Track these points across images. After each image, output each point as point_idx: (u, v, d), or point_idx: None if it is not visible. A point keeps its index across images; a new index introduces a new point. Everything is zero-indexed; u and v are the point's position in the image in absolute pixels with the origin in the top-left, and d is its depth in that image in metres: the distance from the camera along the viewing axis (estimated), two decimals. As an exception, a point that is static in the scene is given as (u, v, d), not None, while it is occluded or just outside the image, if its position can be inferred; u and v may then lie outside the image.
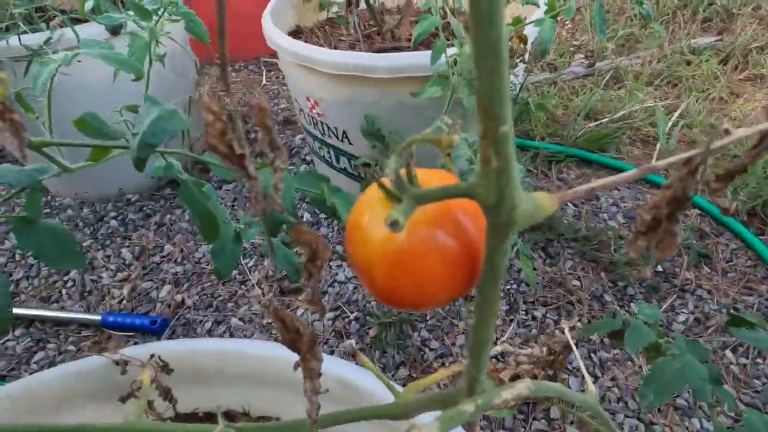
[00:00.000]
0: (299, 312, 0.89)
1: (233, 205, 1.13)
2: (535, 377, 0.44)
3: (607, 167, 1.22)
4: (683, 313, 0.89)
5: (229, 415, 0.44)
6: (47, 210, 1.16)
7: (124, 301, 0.94)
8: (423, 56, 0.66)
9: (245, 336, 0.85)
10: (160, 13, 0.53)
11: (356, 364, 0.39)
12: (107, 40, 0.88)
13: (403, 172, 0.17)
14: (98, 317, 0.86)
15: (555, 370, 0.44)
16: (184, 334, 0.86)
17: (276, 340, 0.78)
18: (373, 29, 1.00)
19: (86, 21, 0.97)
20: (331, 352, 0.83)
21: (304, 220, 1.07)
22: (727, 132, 0.17)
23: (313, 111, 0.87)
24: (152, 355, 0.35)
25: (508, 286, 0.93)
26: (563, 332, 0.39)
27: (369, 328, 0.86)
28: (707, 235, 1.03)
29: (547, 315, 0.88)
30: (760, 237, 0.99)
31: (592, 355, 0.82)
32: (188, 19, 0.54)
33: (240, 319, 0.89)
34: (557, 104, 1.43)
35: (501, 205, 0.15)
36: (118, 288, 0.96)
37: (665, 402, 0.74)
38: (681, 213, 0.18)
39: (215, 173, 0.78)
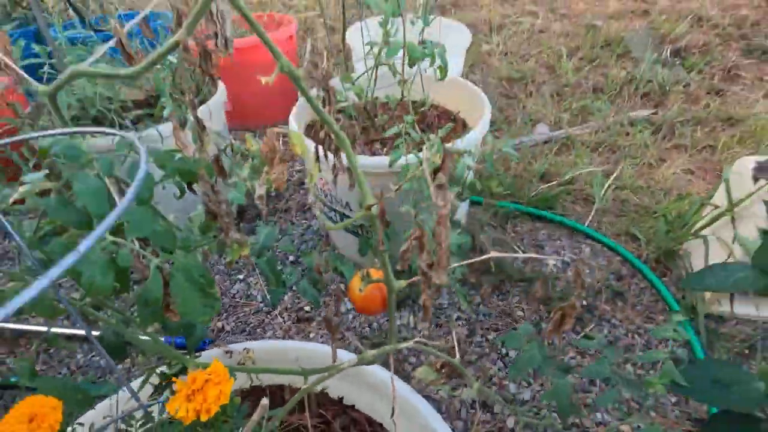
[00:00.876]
0: (311, 335, 1.19)
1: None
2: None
3: (553, 222, 1.54)
4: (599, 336, 1.19)
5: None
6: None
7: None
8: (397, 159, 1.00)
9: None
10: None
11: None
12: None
13: (367, 272, 0.49)
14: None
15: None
16: (226, 352, 1.15)
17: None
18: (371, 121, 1.35)
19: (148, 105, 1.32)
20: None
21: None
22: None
23: (324, 187, 1.20)
24: (245, 348, 0.64)
25: (467, 317, 1.23)
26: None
27: (364, 346, 1.16)
28: (623, 277, 1.34)
29: (497, 338, 1.18)
30: (662, 279, 1.30)
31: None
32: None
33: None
34: (518, 167, 1.77)
35: (390, 287, 0.47)
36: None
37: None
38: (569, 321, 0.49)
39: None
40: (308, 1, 3.43)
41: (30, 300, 0.20)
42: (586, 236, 1.49)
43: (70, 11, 2.27)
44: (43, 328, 1.10)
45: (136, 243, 0.36)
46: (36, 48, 1.27)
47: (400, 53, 1.10)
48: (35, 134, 0.37)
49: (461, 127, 1.40)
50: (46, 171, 0.37)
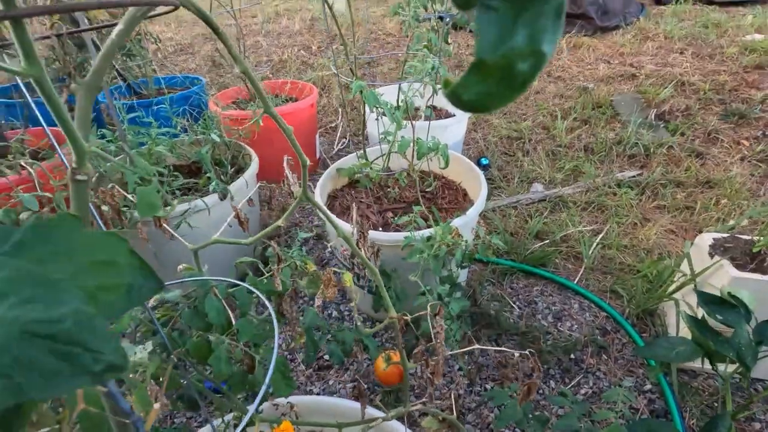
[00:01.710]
0: (330, 381, 1.36)
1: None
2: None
3: (545, 279, 1.72)
4: (585, 387, 1.34)
5: None
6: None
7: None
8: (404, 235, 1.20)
9: (296, 398, 1.31)
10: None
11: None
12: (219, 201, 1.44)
13: (388, 355, 0.68)
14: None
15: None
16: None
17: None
18: (384, 191, 1.56)
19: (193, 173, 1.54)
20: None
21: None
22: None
23: (345, 252, 1.40)
24: (289, 403, 0.82)
25: (469, 367, 1.39)
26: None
27: (377, 394, 1.32)
28: (608, 332, 1.50)
29: (494, 387, 1.34)
30: (642, 335, 1.46)
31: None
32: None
33: (291, 386, 1.36)
34: (515, 225, 1.97)
35: (405, 368, 0.65)
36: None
37: None
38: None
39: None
40: (324, 60, 3.76)
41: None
42: (575, 292, 1.66)
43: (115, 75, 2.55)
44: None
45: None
46: (103, 131, 1.51)
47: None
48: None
49: (462, 195, 1.61)
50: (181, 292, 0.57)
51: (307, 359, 0.92)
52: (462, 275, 1.53)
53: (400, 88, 1.37)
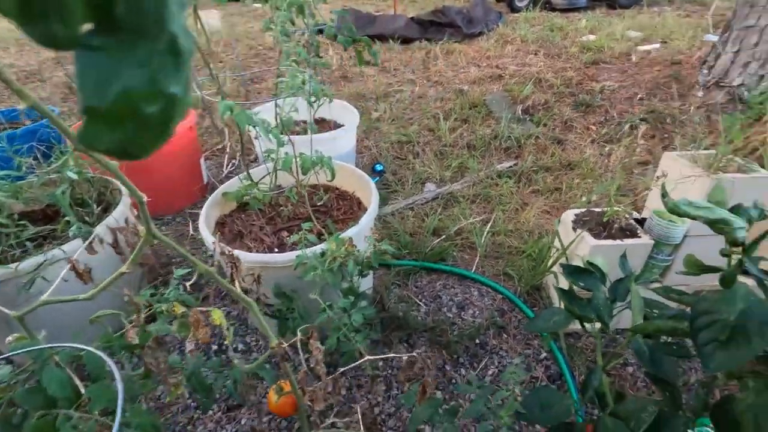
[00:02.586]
0: (242, 421, 1.27)
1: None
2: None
3: (446, 273, 1.81)
4: (492, 368, 1.43)
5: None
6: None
7: None
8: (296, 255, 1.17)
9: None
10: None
11: None
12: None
13: (280, 386, 0.65)
14: None
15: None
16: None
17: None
18: (277, 210, 1.51)
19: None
20: (269, 446, 1.21)
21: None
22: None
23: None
24: None
25: (386, 372, 1.40)
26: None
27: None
28: (505, 312, 1.62)
29: (409, 386, 1.36)
30: (533, 309, 1.61)
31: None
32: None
33: (198, 436, 1.24)
34: (414, 226, 2.04)
35: (298, 398, 0.63)
36: None
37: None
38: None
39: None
40: (204, 79, 3.55)
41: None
42: (474, 281, 1.77)
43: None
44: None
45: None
46: None
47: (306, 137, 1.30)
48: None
49: (357, 204, 1.62)
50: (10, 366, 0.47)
51: (204, 405, 0.84)
52: (366, 283, 1.54)
53: (276, 105, 1.34)
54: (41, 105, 0.34)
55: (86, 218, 1.42)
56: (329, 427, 0.66)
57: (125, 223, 1.33)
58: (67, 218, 1.30)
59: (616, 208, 1.33)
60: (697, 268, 0.73)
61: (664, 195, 0.68)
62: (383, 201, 2.27)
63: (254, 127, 1.18)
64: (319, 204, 1.54)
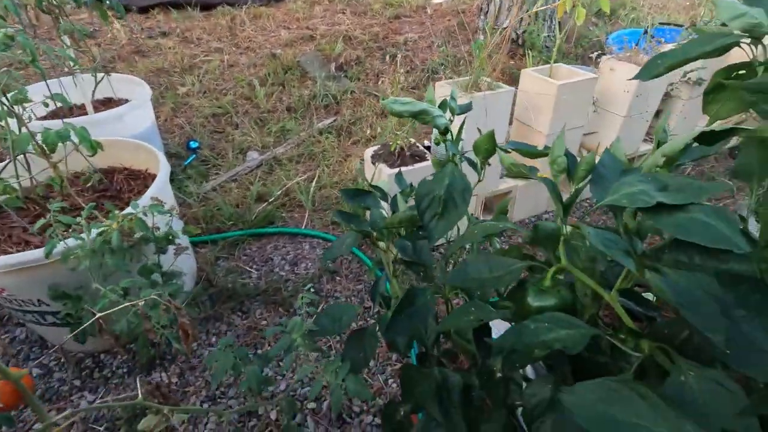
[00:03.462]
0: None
1: None
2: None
3: (276, 234, 1.79)
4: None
5: None
6: None
7: None
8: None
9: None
10: None
11: None
12: None
13: None
14: None
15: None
16: None
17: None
18: (43, 206, 1.27)
19: None
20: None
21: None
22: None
23: (3, 294, 1.09)
24: None
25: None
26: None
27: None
28: (336, 258, 1.68)
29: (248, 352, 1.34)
30: (361, 247, 1.71)
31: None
32: None
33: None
34: (238, 196, 1.95)
35: (13, 378, 0.55)
36: None
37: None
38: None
39: None
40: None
41: None
42: (305, 236, 1.79)
43: None
44: None
45: None
46: None
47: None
48: None
49: (152, 181, 1.46)
50: None
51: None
52: (185, 262, 1.42)
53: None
54: None
55: None
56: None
57: None
58: None
59: (398, 140, 1.45)
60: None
61: (385, 103, 0.75)
62: (203, 178, 2.12)
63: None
64: (100, 188, 1.35)
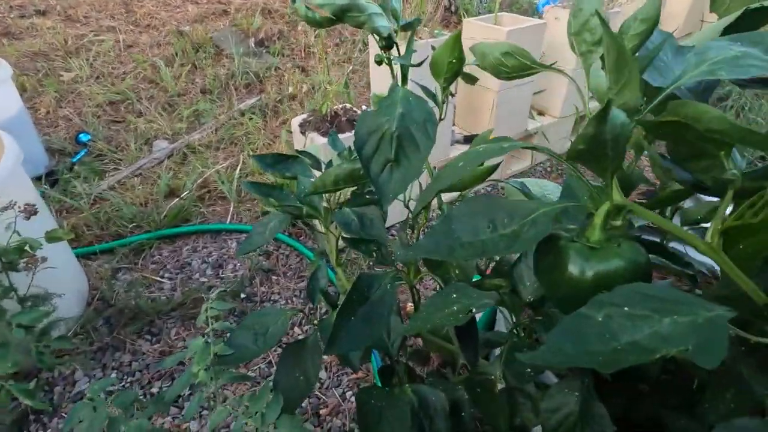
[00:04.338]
0: None
1: None
2: None
3: (194, 233, 1.47)
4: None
5: None
6: None
7: None
8: None
9: None
10: None
11: None
12: None
13: None
14: None
15: None
16: None
17: None
18: None
19: None
20: None
21: None
22: None
23: None
24: None
25: (133, 377, 1.03)
26: None
27: None
28: (270, 253, 1.41)
29: (161, 386, 1.04)
30: (299, 239, 1.44)
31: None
32: None
33: None
34: (141, 193, 1.60)
35: None
36: None
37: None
38: None
39: None
40: None
41: None
42: (230, 232, 1.49)
43: None
44: None
45: None
46: None
47: None
48: None
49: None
50: None
51: None
52: (64, 279, 1.08)
53: None
54: None
55: None
56: None
57: None
58: None
59: (328, 100, 1.21)
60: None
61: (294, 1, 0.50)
62: (98, 175, 1.73)
63: None
64: None
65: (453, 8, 3.00)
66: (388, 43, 0.52)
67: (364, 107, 1.38)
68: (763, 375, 0.32)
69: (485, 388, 0.50)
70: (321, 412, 0.99)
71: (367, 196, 0.58)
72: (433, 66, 0.52)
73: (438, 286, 0.58)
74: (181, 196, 1.59)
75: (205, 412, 0.96)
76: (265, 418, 0.52)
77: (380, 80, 1.41)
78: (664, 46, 0.34)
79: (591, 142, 0.22)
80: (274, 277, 1.33)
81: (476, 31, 1.43)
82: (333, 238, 0.71)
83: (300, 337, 1.10)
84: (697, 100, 0.30)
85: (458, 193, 0.57)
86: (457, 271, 0.52)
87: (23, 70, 2.29)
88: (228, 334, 0.61)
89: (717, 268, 0.44)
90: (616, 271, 0.25)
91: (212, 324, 0.61)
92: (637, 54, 0.32)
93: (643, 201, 0.44)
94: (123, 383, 1.03)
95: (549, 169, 1.89)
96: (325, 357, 0.92)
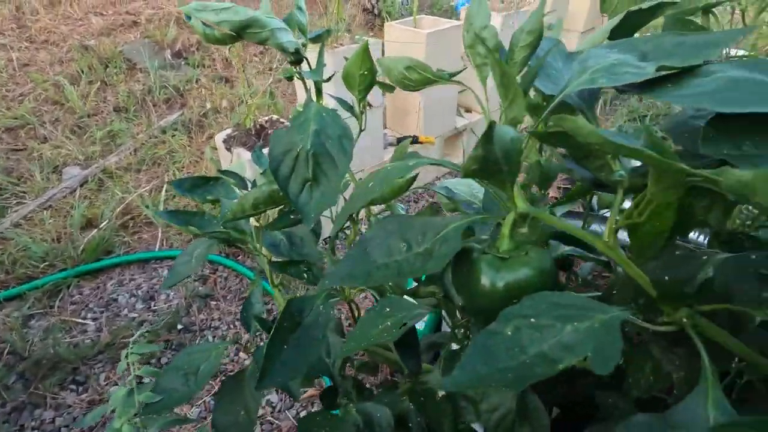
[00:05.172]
0: None
1: None
2: None
3: (119, 264, 1.36)
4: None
5: None
6: None
7: None
8: None
9: None
10: None
11: None
12: None
13: None
14: None
15: None
16: None
17: None
18: None
19: None
20: None
21: None
22: None
23: None
24: None
25: (46, 443, 0.93)
26: None
27: None
28: (207, 277, 1.34)
29: (94, 438, 0.94)
30: (236, 258, 1.38)
31: None
32: None
33: None
34: (52, 228, 1.44)
35: None
36: None
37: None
38: None
39: None
40: None
41: None
42: (161, 259, 1.39)
43: None
44: None
45: None
46: None
47: None
48: None
49: None
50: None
51: None
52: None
53: None
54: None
55: None
56: None
57: None
58: None
59: (251, 113, 1.17)
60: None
61: (188, 8, 0.47)
62: (-2, 213, 1.54)
63: None
64: None
65: (376, 11, 3.02)
66: (296, 58, 0.51)
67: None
68: (670, 354, 0.34)
69: (429, 396, 0.50)
70: (275, 438, 0.95)
71: (292, 216, 0.56)
72: (346, 78, 0.51)
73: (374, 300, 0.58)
74: (100, 226, 1.46)
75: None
76: (202, 465, 0.48)
77: (304, 91, 1.38)
78: (554, 54, 0.36)
79: (482, 162, 0.22)
80: (213, 303, 1.26)
81: (397, 34, 1.45)
82: (265, 260, 0.68)
83: (247, 362, 1.05)
84: (585, 105, 0.31)
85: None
86: (390, 283, 0.52)
87: None
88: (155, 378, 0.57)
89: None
90: (525, 279, 0.26)
91: (135, 370, 0.56)
92: (529, 63, 0.34)
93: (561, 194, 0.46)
94: (46, 444, 0.92)
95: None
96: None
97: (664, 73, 0.27)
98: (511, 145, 0.22)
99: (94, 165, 1.78)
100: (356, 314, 0.60)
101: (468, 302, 0.30)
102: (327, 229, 1.39)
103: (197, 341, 1.16)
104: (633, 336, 0.41)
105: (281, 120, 1.28)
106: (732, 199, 0.24)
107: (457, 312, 0.52)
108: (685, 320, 0.25)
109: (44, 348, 1.08)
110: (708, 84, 0.25)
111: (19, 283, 1.25)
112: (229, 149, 1.17)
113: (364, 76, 0.50)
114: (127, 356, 0.57)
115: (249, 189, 0.78)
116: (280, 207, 0.61)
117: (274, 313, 1.22)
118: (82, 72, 2.32)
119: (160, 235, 1.48)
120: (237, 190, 0.73)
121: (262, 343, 0.74)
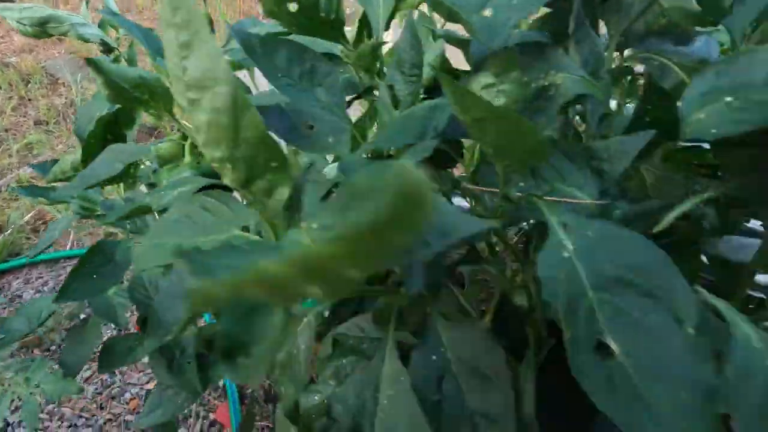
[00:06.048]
0: None
1: None
2: None
3: (26, 266, 1.41)
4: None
5: None
6: None
7: None
8: None
9: None
10: None
11: None
12: None
13: None
14: None
15: None
16: None
17: None
18: None
19: None
20: None
21: None
22: None
23: None
24: None
25: None
26: None
27: None
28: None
29: None
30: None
31: None
32: None
33: None
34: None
35: None
36: None
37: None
38: None
39: None
40: None
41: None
42: (67, 258, 1.45)
43: None
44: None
45: None
46: None
47: None
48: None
49: None
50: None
51: None
52: None
53: None
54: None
55: None
56: None
57: None
58: None
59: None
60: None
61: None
62: None
63: None
64: None
65: None
66: (107, 48, 0.63)
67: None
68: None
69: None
70: None
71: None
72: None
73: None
74: (7, 232, 1.51)
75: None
76: (29, 380, 0.58)
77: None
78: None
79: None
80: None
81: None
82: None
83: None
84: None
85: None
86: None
87: None
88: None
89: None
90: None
91: None
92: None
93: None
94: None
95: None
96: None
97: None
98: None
99: (10, 175, 1.82)
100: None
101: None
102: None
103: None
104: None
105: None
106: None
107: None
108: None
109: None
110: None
111: None
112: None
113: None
114: None
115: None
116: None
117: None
118: (0, 88, 2.34)
119: (72, 236, 1.54)
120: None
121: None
